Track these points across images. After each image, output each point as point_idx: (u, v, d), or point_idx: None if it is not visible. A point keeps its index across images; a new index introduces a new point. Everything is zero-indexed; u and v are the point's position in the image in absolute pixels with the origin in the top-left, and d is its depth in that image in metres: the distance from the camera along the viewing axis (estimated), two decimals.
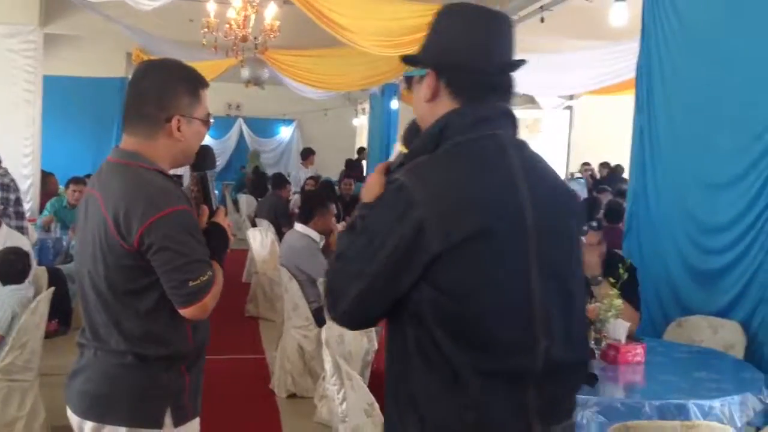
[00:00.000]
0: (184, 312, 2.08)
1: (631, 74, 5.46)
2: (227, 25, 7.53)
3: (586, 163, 13.99)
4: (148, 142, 2.10)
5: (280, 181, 9.71)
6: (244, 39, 7.62)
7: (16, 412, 3.91)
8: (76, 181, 7.79)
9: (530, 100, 13.95)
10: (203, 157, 2.30)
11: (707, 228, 4.22)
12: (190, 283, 2.06)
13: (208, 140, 17.90)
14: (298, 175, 12.43)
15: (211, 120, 2.23)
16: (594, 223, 3.87)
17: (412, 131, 1.83)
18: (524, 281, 1.62)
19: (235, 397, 5.36)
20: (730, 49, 4.05)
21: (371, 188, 1.79)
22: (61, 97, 11.07)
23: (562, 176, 15.84)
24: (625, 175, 8.30)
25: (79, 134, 12.17)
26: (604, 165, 13.57)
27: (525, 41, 9.28)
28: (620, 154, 10.05)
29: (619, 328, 3.33)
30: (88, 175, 8.51)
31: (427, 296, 1.59)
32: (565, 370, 1.70)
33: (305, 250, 5.31)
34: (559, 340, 1.66)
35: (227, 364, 6.17)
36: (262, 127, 18.36)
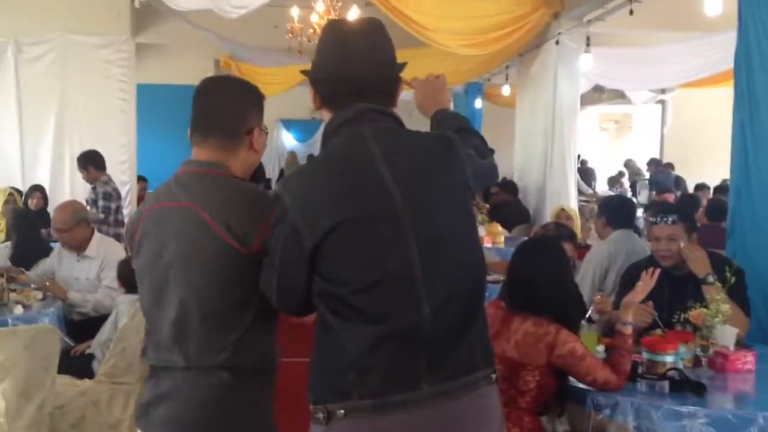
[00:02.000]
0: (297, 318, 2.05)
1: (728, 65, 5.24)
2: (311, 30, 7.58)
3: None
4: (228, 154, 2.09)
5: None
6: None
7: (121, 414, 3.99)
8: None
9: (620, 95, 13.62)
10: (259, 171, 2.37)
11: None
12: None
13: (293, 144, 18.11)
14: None
15: (267, 131, 2.26)
16: (668, 218, 3.66)
17: None
18: (401, 253, 1.80)
19: None
20: None
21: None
22: (153, 104, 11.38)
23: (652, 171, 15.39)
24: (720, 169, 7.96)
25: (170, 140, 12.45)
26: (651, 163, 13.24)
27: (613, 34, 9.07)
28: (717, 149, 9.66)
29: (727, 334, 3.17)
30: None
31: (315, 280, 1.83)
32: (452, 328, 1.84)
33: None
34: (445, 301, 1.82)
35: None
36: None
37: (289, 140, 18.11)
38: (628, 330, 2.88)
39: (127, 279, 4.36)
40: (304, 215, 1.81)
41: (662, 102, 14.51)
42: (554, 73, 8.44)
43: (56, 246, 5.10)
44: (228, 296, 1.98)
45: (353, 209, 1.81)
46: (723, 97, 12.17)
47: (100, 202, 6.43)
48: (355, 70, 1.93)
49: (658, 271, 3.10)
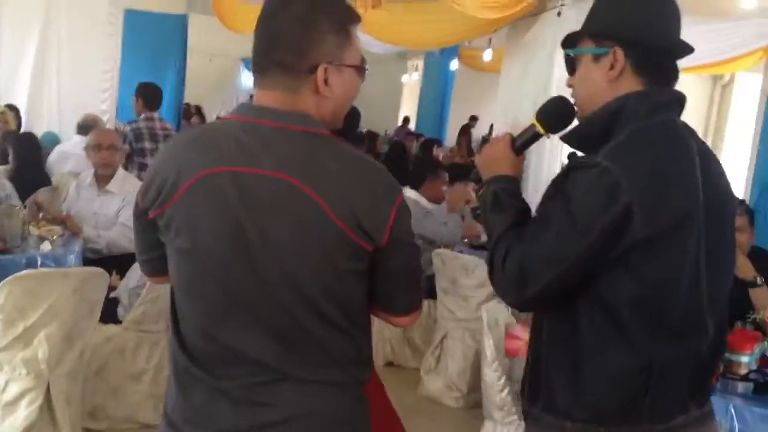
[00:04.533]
0: (404, 320, 1.70)
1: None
2: None
3: None
4: (294, 98, 1.54)
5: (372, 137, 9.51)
6: None
7: (145, 364, 3.85)
8: None
9: None
10: (352, 122, 1.99)
11: None
12: (421, 281, 1.73)
13: (251, 86, 17.73)
14: None
15: (366, 67, 1.65)
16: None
17: (558, 109, 1.83)
18: (696, 263, 1.63)
19: None
20: None
21: (498, 161, 1.81)
22: (140, 32, 10.79)
23: None
24: None
25: (155, 73, 11.90)
26: None
27: None
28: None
29: None
30: None
31: (623, 282, 1.58)
32: (716, 351, 1.75)
33: (416, 215, 5.20)
34: (718, 323, 1.70)
35: None
36: None
37: (248, 81, 17.58)
38: None
39: None
40: (647, 200, 1.55)
41: None
42: (553, 45, 8.35)
43: (75, 179, 4.85)
44: (347, 297, 1.55)
45: (689, 205, 1.61)
46: (702, 84, 12.43)
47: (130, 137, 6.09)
48: (679, 43, 1.73)
49: None
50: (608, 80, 1.72)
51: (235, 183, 1.48)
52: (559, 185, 1.65)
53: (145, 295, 3.80)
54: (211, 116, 14.80)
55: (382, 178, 1.56)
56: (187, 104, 14.33)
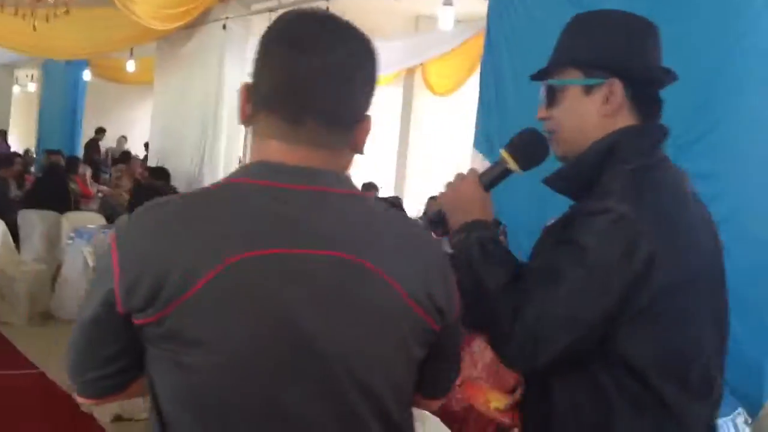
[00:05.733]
0: (437, 403, 1.47)
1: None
2: None
3: None
4: (330, 157, 1.23)
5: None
6: None
7: None
8: None
9: None
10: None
11: None
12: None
13: None
14: None
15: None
16: None
17: (531, 142, 1.64)
18: (721, 325, 1.53)
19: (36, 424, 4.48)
20: None
21: (469, 202, 1.61)
22: None
23: None
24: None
25: None
26: None
27: None
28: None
29: None
30: None
31: (646, 340, 1.40)
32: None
33: None
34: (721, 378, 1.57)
35: None
36: None
37: None
38: None
39: None
40: (671, 249, 1.38)
41: None
42: (220, 58, 8.14)
43: None
44: (409, 395, 1.28)
45: (709, 255, 1.48)
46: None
47: None
48: (666, 72, 1.59)
49: None
50: (602, 115, 1.53)
51: (282, 268, 1.12)
52: (562, 234, 1.44)
53: None
54: None
55: (436, 243, 1.31)
56: None
